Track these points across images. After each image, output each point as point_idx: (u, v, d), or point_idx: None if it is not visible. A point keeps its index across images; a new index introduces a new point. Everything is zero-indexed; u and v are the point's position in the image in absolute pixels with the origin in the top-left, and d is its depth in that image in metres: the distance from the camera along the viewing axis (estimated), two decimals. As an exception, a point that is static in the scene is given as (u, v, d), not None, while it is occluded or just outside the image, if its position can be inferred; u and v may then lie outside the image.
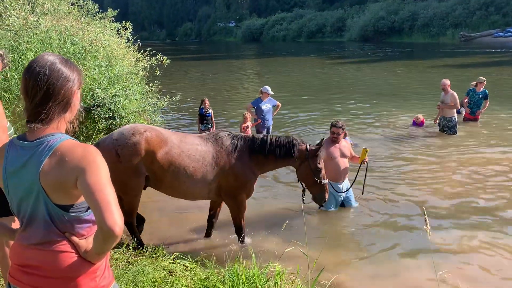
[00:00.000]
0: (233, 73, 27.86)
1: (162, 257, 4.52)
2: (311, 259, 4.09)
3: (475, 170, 7.93)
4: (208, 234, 5.46)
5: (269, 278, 4.01)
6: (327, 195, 5.26)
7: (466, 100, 11.56)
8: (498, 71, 23.06)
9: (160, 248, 4.73)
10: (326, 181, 5.19)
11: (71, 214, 1.85)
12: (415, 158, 8.79)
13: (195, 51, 57.71)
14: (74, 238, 1.87)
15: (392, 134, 10.81)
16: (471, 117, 11.53)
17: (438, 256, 5.02)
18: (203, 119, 10.94)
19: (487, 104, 11.39)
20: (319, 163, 5.05)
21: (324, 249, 4.90)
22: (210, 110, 10.95)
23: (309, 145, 5.07)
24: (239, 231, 5.16)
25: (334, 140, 6.26)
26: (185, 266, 4.38)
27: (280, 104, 10.69)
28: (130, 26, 10.04)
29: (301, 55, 41.93)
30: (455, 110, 10.38)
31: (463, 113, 11.69)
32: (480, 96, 11.32)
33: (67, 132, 1.92)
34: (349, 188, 6.36)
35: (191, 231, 5.73)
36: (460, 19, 50.81)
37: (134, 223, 4.93)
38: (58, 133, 1.85)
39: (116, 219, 1.69)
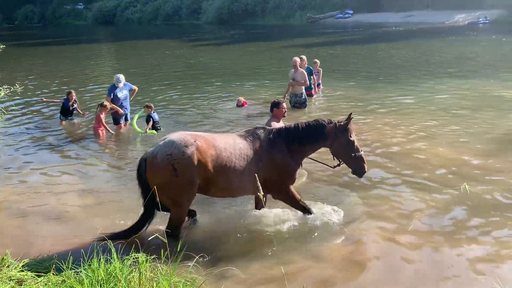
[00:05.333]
0: (86, 58, 25.97)
1: (7, 266, 4.03)
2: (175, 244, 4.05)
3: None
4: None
5: (133, 269, 3.86)
6: (366, 167, 5.23)
7: None
8: (342, 49, 25.55)
9: (5, 258, 4.21)
10: (362, 153, 5.16)
11: None
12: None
13: (40, 36, 52.12)
14: None
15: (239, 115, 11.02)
16: (307, 92, 12.44)
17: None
18: (67, 112, 10.42)
19: (314, 79, 12.47)
20: (350, 137, 5.09)
21: (189, 233, 4.92)
22: (76, 105, 10.50)
23: (338, 122, 5.14)
24: (304, 212, 5.28)
25: (283, 116, 6.43)
26: (37, 272, 3.99)
27: (137, 88, 10.33)
28: None
29: (159, 38, 40.85)
30: (303, 87, 11.11)
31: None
32: (306, 72, 12.29)
33: None
34: None
35: (42, 235, 5.23)
36: (306, 1, 54.53)
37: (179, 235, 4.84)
38: None
39: None
